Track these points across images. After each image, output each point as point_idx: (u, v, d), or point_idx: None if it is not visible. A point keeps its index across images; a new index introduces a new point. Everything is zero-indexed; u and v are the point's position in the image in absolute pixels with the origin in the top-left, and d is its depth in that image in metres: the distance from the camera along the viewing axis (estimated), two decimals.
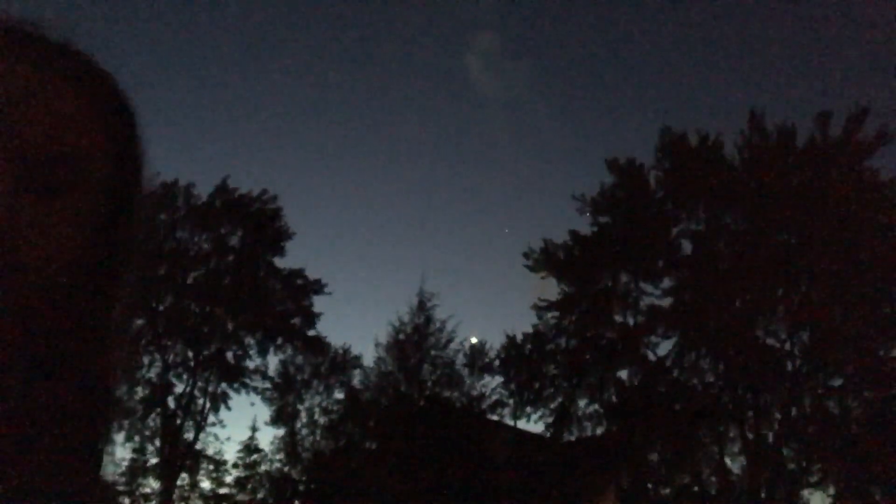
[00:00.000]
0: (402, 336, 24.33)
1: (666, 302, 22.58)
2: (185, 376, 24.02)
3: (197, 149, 35.90)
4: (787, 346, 20.76)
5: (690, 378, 22.34)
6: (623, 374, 23.46)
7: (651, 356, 22.94)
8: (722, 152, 21.23)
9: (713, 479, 20.86)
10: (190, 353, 24.12)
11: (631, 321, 23.48)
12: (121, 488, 22.21)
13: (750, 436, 20.18)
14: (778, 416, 20.58)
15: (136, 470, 22.86)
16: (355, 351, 29.58)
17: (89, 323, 0.58)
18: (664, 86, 35.84)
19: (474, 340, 25.00)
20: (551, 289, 24.94)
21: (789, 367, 20.53)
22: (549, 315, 24.19)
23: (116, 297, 0.62)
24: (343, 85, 38.33)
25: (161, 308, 23.73)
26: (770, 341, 20.67)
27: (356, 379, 27.07)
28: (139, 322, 23.39)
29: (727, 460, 20.69)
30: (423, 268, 43.11)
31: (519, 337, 25.28)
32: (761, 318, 20.99)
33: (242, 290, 23.58)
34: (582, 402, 23.95)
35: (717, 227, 21.67)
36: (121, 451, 23.49)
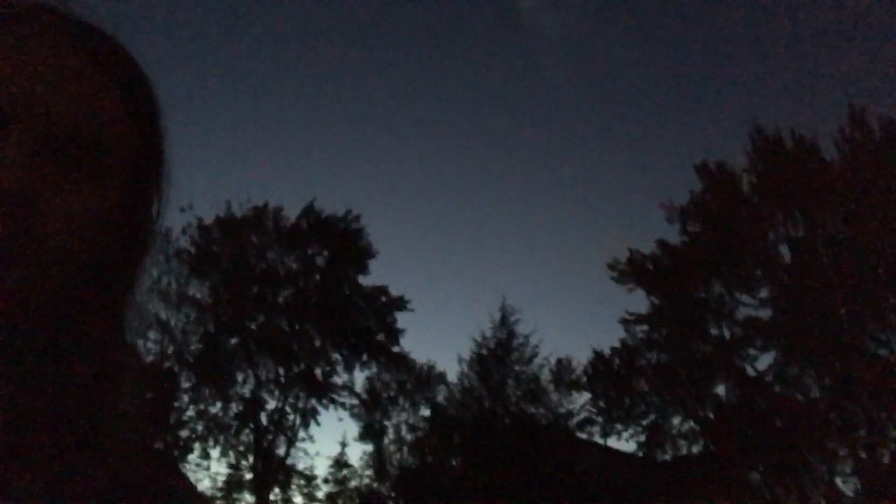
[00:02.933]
0: (484, 351, 24.20)
1: (764, 313, 21.42)
2: (276, 392, 24.72)
3: (285, 172, 37.26)
4: None
5: (793, 393, 21.01)
6: (720, 389, 22.37)
7: (750, 370, 21.77)
8: (819, 152, 20.01)
9: (823, 501, 19.41)
10: (280, 370, 24.84)
11: (727, 334, 22.39)
12: (218, 503, 23.01)
13: (863, 456, 18.71)
14: (894, 432, 18.99)
15: (232, 484, 23.64)
16: (439, 367, 29.65)
17: (105, 304, 0.57)
18: (753, 85, 34.32)
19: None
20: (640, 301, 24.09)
21: None
22: (639, 329, 23.41)
23: (136, 282, 0.61)
24: (424, 104, 38.92)
25: (253, 326, 24.59)
26: (881, 352, 19.18)
27: (441, 395, 27.10)
28: (233, 340, 24.34)
29: (838, 481, 19.24)
30: (505, 282, 42.83)
31: (607, 352, 24.60)
32: (869, 327, 19.52)
33: (329, 307, 24.13)
34: (676, 420, 22.96)
35: (818, 232, 20.39)
36: (216, 466, 24.43)
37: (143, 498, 0.55)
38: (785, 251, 20.88)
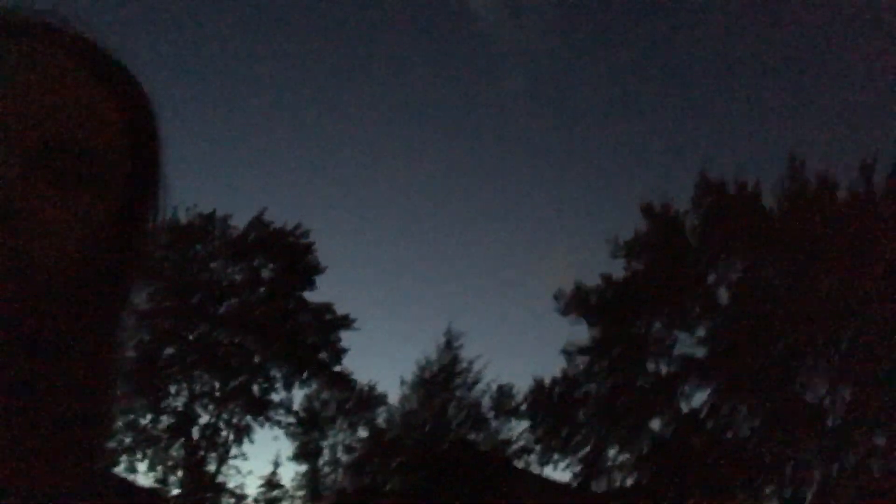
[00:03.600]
0: (427, 375, 24.17)
1: (701, 351, 22.13)
2: (210, 407, 23.99)
3: (235, 181, 36.59)
4: (828, 400, 20.11)
5: (726, 430, 21.70)
6: (656, 424, 22.90)
7: (685, 407, 22.39)
8: (760, 200, 20.97)
9: None
10: (216, 384, 24.14)
11: (664, 369, 23.00)
12: None
13: (788, 493, 19.43)
14: (818, 473, 19.80)
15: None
16: (381, 389, 29.36)
17: (94, 324, 0.56)
18: (700, 130, 35.76)
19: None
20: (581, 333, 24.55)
21: (830, 422, 19.82)
22: (580, 360, 23.82)
23: (126, 301, 0.60)
24: (379, 121, 38.98)
25: (191, 337, 23.88)
26: (808, 395, 20.04)
27: (381, 417, 26.82)
28: (169, 350, 23.56)
29: None
30: (451, 306, 42.96)
31: (547, 381, 24.90)
32: (800, 371, 20.40)
33: (272, 322, 23.67)
34: (612, 452, 23.34)
35: (755, 276, 21.28)
36: (143, 480, 23.47)
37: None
38: (723, 293, 21.72)
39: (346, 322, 24.43)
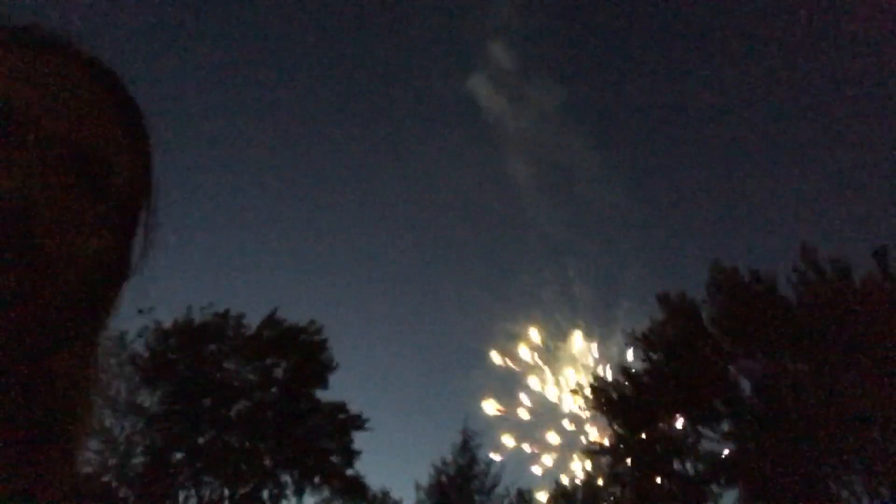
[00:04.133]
0: (444, 478, 23.26)
1: (727, 447, 21.20)
2: None
3: (248, 280, 37.05)
4: (865, 501, 18.93)
5: None
6: None
7: None
8: (775, 288, 20.71)
9: None
10: (226, 491, 23.42)
11: (690, 468, 21.97)
12: None
13: None
14: None
15: None
16: (395, 494, 28.18)
17: (86, 329, 0.58)
18: (711, 221, 35.95)
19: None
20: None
21: None
22: (602, 460, 22.88)
23: (114, 308, 0.62)
24: (391, 217, 39.68)
25: (201, 441, 23.42)
26: (843, 493, 18.88)
27: None
28: (179, 455, 23.06)
29: None
30: (467, 405, 41.87)
31: (568, 484, 23.85)
32: (833, 470, 19.35)
33: (284, 424, 23.22)
34: None
35: (778, 367, 20.67)
36: None
37: None
38: (746, 384, 21.04)
39: (358, 423, 23.85)
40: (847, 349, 18.74)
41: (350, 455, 23.98)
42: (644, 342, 22.22)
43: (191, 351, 23.21)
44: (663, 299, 21.97)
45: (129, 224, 0.60)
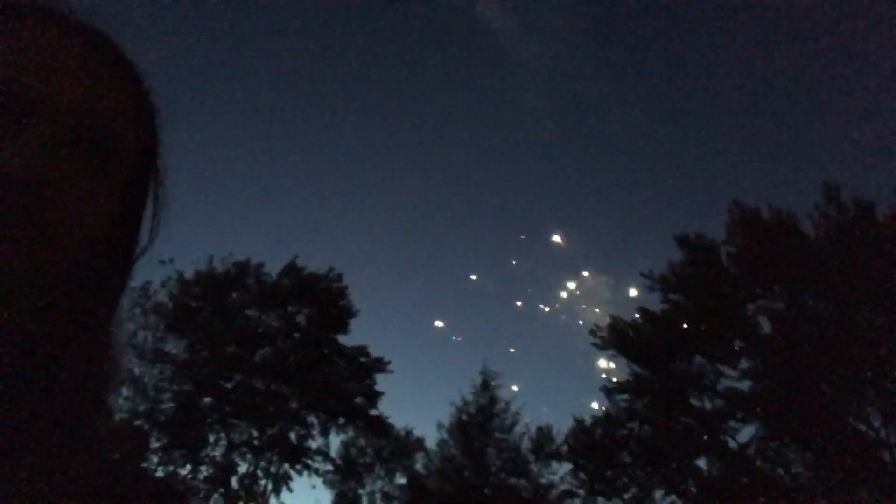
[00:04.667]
0: (465, 417, 23.80)
1: (745, 385, 21.41)
2: (248, 456, 23.94)
3: (267, 229, 37.26)
4: (884, 433, 19.16)
5: (775, 468, 20.79)
6: (702, 462, 22.09)
7: (732, 443, 21.57)
8: (797, 226, 20.48)
9: None
10: (254, 433, 24.13)
11: (708, 405, 22.27)
12: None
13: None
14: None
15: None
16: (418, 433, 28.99)
17: (102, 299, 0.58)
18: (730, 160, 35.42)
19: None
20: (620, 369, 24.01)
21: (887, 456, 18.84)
22: (620, 398, 23.23)
23: (127, 280, 0.62)
24: (407, 161, 39.48)
25: (228, 386, 24.02)
26: (861, 427, 19.14)
27: (419, 463, 26.40)
28: (207, 399, 23.72)
29: None
30: (484, 344, 42.55)
31: (588, 421, 24.30)
32: (852, 405, 19.54)
33: (308, 368, 23.71)
34: (658, 493, 22.53)
35: (798, 305, 20.64)
36: None
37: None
38: (765, 322, 21.08)
39: (380, 365, 24.32)
40: (868, 286, 18.64)
41: (373, 396, 24.55)
42: (663, 283, 22.21)
43: (213, 300, 23.56)
44: (682, 240, 21.82)
45: (138, 198, 0.61)
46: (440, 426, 24.54)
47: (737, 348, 21.35)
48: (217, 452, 23.90)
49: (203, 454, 23.45)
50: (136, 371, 22.44)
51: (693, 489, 21.30)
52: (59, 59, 0.53)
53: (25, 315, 0.49)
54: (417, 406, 46.72)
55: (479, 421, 24.16)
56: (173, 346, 23.08)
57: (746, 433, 21.37)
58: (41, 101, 0.51)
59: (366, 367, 24.16)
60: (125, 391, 22.49)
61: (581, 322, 32.61)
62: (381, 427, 24.69)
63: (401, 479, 27.88)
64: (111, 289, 0.59)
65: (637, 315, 22.67)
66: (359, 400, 24.41)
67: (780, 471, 20.62)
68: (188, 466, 23.17)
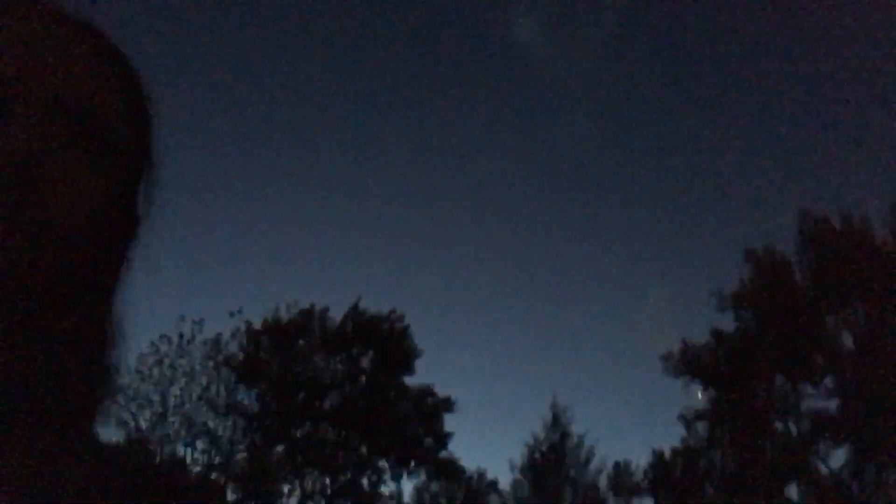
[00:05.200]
0: (538, 455, 23.23)
1: (832, 405, 20.32)
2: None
3: (332, 273, 37.83)
4: None
5: (873, 494, 19.50)
6: (793, 490, 20.90)
7: (823, 469, 20.38)
8: (870, 232, 19.64)
9: None
10: (326, 480, 24.13)
11: (794, 429, 21.17)
12: None
13: None
14: None
15: None
16: (490, 474, 28.37)
17: (99, 288, 0.58)
18: (794, 170, 34.41)
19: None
20: (697, 396, 23.13)
21: None
22: (699, 426, 22.33)
23: (126, 262, 0.62)
24: (468, 207, 39.75)
25: (298, 435, 24.18)
26: None
27: None
28: (279, 449, 23.88)
29: None
30: (554, 381, 41.63)
31: (667, 453, 23.39)
32: None
33: (375, 412, 23.69)
34: None
35: (880, 316, 19.61)
36: None
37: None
38: (847, 337, 20.09)
39: (447, 405, 24.11)
40: None
41: (442, 438, 24.27)
42: (734, 302, 21.47)
43: (281, 349, 23.95)
44: (751, 254, 21.17)
45: (132, 180, 0.60)
46: (513, 467, 24.03)
47: (819, 365, 20.35)
48: (292, 501, 23.94)
49: None
50: (211, 424, 22.82)
51: None
52: (44, 45, 0.53)
53: (23, 299, 0.49)
54: (488, 446, 45.78)
55: (553, 458, 23.56)
56: (245, 398, 23.46)
57: (839, 457, 20.20)
58: (27, 87, 0.51)
59: (433, 407, 23.98)
60: (200, 444, 22.93)
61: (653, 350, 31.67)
62: (451, 469, 24.32)
63: None
64: (109, 271, 0.59)
65: (710, 337, 21.94)
66: (427, 442, 24.15)
67: (880, 496, 19.34)
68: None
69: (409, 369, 23.97)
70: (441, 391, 24.34)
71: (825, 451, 20.52)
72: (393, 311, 24.27)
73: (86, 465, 0.52)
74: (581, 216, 39.51)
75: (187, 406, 22.30)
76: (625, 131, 35.78)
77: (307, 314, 23.93)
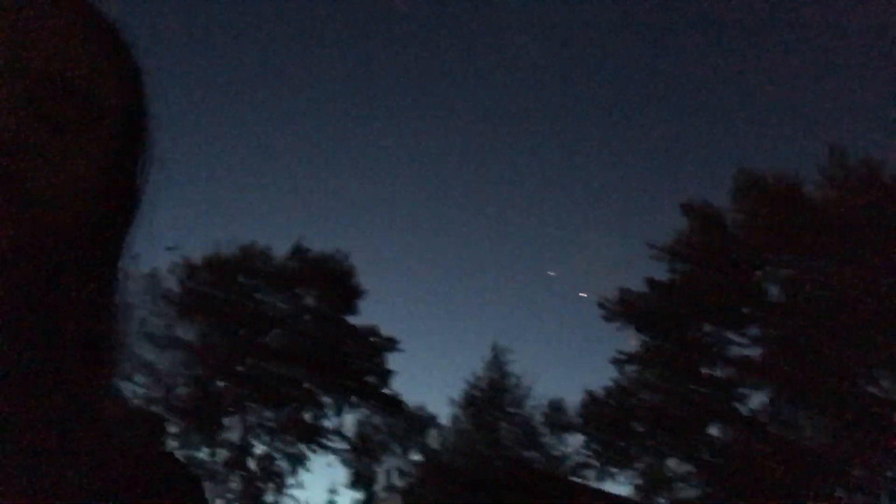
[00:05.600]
0: (477, 393, 23.96)
1: (755, 352, 21.41)
2: (264, 437, 24.28)
3: (272, 210, 37.36)
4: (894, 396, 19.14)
5: (789, 434, 20.83)
6: (715, 430, 22.18)
7: (744, 411, 21.60)
8: (803, 192, 20.31)
9: None
10: (269, 415, 24.47)
11: (719, 373, 22.28)
12: None
13: (859, 496, 18.49)
14: (891, 474, 18.79)
15: None
16: (430, 410, 29.19)
17: (95, 269, 0.57)
18: (732, 128, 35.02)
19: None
20: (630, 341, 24.06)
21: None
22: (631, 369, 23.28)
23: (123, 249, 0.60)
24: (412, 142, 39.38)
25: (241, 370, 24.31)
26: (872, 390, 19.12)
27: (433, 440, 26.65)
28: (221, 384, 24.03)
29: None
30: (495, 322, 42.79)
31: (600, 392, 24.39)
32: (862, 367, 19.50)
33: (319, 349, 23.92)
34: (672, 462, 22.64)
35: (806, 270, 20.52)
36: None
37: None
38: (774, 289, 21.01)
39: (391, 344, 24.51)
40: (878, 248, 18.50)
41: (384, 375, 24.77)
42: (670, 253, 22.13)
43: (221, 284, 23.75)
44: (688, 208, 21.70)
45: (127, 150, 0.59)
46: (452, 402, 24.75)
47: (747, 315, 21.30)
48: (234, 435, 24.26)
49: (219, 437, 23.80)
50: (150, 358, 22.70)
51: (706, 457, 21.40)
52: (27, 17, 0.51)
53: (20, 284, 0.49)
54: (429, 384, 47.05)
55: (491, 396, 24.32)
56: (185, 332, 23.33)
57: (759, 400, 21.41)
58: (13, 60, 0.50)
59: (376, 346, 24.35)
60: (140, 378, 22.82)
61: (584, 294, 32.60)
62: (393, 405, 24.93)
63: (416, 456, 28.21)
64: (111, 239, 0.58)
65: (645, 285, 22.64)
66: (371, 379, 24.62)
67: (795, 437, 20.68)
68: (205, 450, 23.50)
69: (353, 309, 24.17)
70: (385, 331, 24.68)
71: (746, 394, 21.73)
72: (337, 251, 24.24)
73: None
74: (523, 162, 39.60)
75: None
76: (567, 76, 35.56)
77: (248, 251, 23.68)
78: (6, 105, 0.48)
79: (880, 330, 19.00)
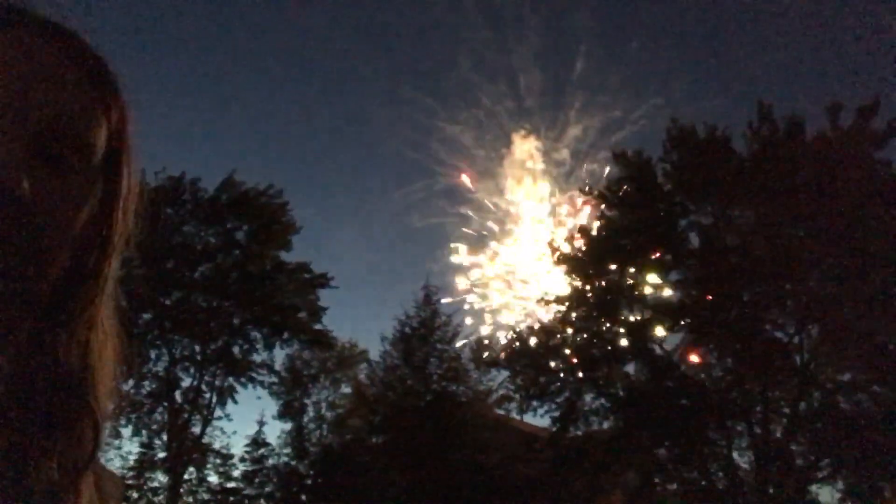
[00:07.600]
0: (408, 330, 24.39)
1: (674, 296, 22.45)
2: (191, 370, 24.09)
3: (204, 143, 35.98)
4: (796, 340, 20.59)
5: (698, 373, 22.19)
6: (631, 368, 23.38)
7: (658, 350, 22.82)
8: (730, 145, 21.04)
9: (721, 475, 20.71)
10: (197, 348, 24.20)
11: (638, 315, 23.32)
12: (129, 482, 22.32)
13: (758, 431, 20.03)
14: (787, 411, 20.41)
15: (144, 464, 22.99)
16: (361, 346, 29.59)
17: (86, 302, 0.59)
18: (670, 78, 35.64)
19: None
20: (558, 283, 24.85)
21: (798, 361, 20.35)
22: (556, 310, 24.10)
23: (109, 279, 0.63)
24: (348, 79, 38.30)
25: (168, 302, 23.79)
26: (779, 335, 20.51)
27: (363, 374, 27.13)
28: (147, 316, 23.48)
29: (735, 456, 20.56)
30: (427, 261, 43.16)
31: (525, 331, 25.25)
32: (769, 313, 20.80)
33: (249, 284, 23.60)
34: (588, 397, 23.84)
35: (725, 220, 21.48)
36: (128, 446, 23.70)
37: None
38: (695, 238, 21.94)
39: (323, 281, 24.43)
40: (792, 201, 19.45)
41: (316, 311, 24.78)
42: (601, 199, 22.71)
43: (147, 215, 22.88)
44: (620, 156, 22.19)
45: (112, 188, 0.61)
46: (384, 339, 25.12)
47: (666, 261, 22.21)
48: (159, 368, 23.94)
49: (145, 370, 23.46)
50: None
51: (621, 392, 22.61)
52: (25, 62, 0.52)
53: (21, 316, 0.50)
54: (361, 320, 47.42)
55: (422, 333, 24.78)
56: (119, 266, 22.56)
57: (673, 341, 22.59)
58: (12, 108, 0.50)
59: (308, 282, 24.24)
60: None
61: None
62: (324, 340, 25.08)
63: (346, 389, 28.70)
64: (97, 280, 0.60)
65: (575, 231, 23.25)
66: (302, 315, 24.60)
67: (703, 375, 22.04)
68: (130, 382, 23.16)
69: (287, 245, 23.84)
70: (319, 268, 24.54)
71: (662, 336, 22.87)
72: (270, 186, 23.68)
73: None
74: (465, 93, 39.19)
75: None
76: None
77: (177, 182, 22.85)
78: (11, 150, 0.49)
79: (788, 277, 20.22)
